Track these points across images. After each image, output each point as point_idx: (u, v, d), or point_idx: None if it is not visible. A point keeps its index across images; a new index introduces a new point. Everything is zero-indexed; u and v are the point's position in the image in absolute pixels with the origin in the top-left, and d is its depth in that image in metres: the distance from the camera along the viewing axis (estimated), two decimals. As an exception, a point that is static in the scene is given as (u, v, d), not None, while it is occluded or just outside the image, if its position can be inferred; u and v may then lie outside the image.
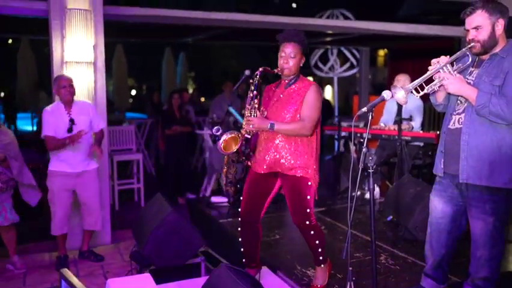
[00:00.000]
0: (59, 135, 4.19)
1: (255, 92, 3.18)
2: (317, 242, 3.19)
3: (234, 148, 3.19)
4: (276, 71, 3.19)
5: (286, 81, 3.20)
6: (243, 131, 3.21)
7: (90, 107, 4.45)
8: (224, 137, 3.19)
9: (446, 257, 2.92)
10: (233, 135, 3.20)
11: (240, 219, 3.36)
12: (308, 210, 3.12)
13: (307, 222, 3.13)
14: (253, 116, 3.15)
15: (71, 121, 4.21)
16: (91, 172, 4.41)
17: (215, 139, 3.34)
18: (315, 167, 3.15)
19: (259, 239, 3.41)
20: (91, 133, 4.38)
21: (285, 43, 3.11)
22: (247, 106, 3.20)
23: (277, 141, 3.15)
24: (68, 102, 4.28)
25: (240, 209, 3.35)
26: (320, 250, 3.23)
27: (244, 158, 3.31)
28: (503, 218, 2.67)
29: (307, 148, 3.13)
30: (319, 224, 3.26)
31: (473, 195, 2.66)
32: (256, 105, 3.19)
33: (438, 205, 2.87)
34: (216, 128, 3.37)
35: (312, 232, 3.15)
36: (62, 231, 4.37)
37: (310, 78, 3.40)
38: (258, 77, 3.16)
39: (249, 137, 3.26)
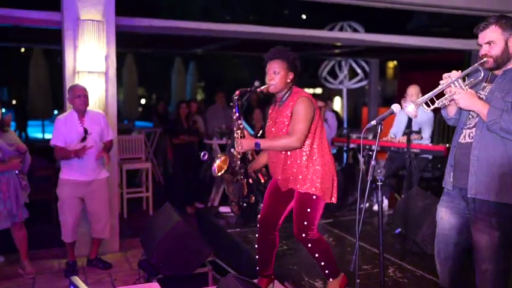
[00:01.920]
0: (71, 143, 4.24)
1: (237, 114, 3.32)
2: (317, 255, 3.21)
3: (223, 169, 3.37)
4: (260, 89, 3.27)
5: (280, 97, 3.26)
6: (234, 152, 3.33)
7: (102, 116, 4.48)
8: (217, 161, 3.38)
9: (456, 269, 2.89)
10: (223, 158, 3.38)
11: (258, 224, 3.43)
12: (306, 223, 3.14)
13: (303, 235, 3.16)
14: (240, 136, 3.26)
15: (85, 131, 4.25)
16: (102, 181, 4.45)
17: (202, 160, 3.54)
18: (318, 184, 3.12)
19: (274, 247, 3.43)
20: (101, 143, 4.42)
21: (269, 61, 3.21)
22: (234, 128, 3.31)
23: (282, 157, 3.20)
24: (82, 111, 4.32)
25: (253, 219, 3.42)
26: (322, 264, 3.23)
27: (241, 177, 3.41)
28: (508, 232, 2.64)
29: (309, 163, 3.14)
30: (322, 238, 3.25)
31: (480, 208, 2.64)
32: (242, 126, 3.29)
33: (445, 216, 2.85)
34: (203, 153, 3.65)
35: (309, 245, 3.18)
36: (73, 238, 4.41)
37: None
38: (236, 99, 3.29)
39: (239, 156, 3.40)
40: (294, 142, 3.07)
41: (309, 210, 3.13)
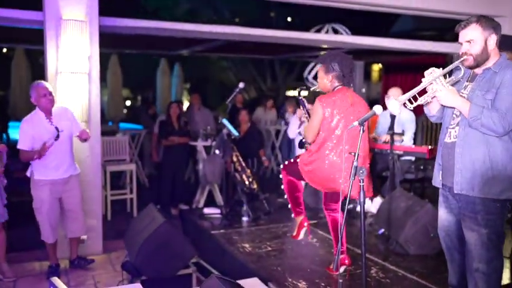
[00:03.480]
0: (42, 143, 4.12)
1: (305, 115, 3.90)
2: (283, 186, 3.98)
3: None
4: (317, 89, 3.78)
5: None
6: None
7: (68, 111, 4.40)
8: None
9: (464, 264, 2.87)
10: None
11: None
12: (286, 163, 3.95)
13: (282, 167, 3.96)
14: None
15: (57, 129, 4.14)
16: (76, 177, 4.42)
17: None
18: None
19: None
20: (72, 136, 4.35)
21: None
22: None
23: None
24: (49, 110, 4.21)
25: None
26: (285, 197, 3.95)
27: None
28: (497, 230, 2.65)
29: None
30: (294, 180, 3.87)
31: (467, 206, 2.69)
32: (306, 116, 3.87)
33: (443, 215, 2.92)
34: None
35: (281, 176, 3.97)
36: (54, 238, 4.35)
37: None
38: (301, 104, 3.89)
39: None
40: (306, 138, 3.63)
41: (291, 160, 3.89)
